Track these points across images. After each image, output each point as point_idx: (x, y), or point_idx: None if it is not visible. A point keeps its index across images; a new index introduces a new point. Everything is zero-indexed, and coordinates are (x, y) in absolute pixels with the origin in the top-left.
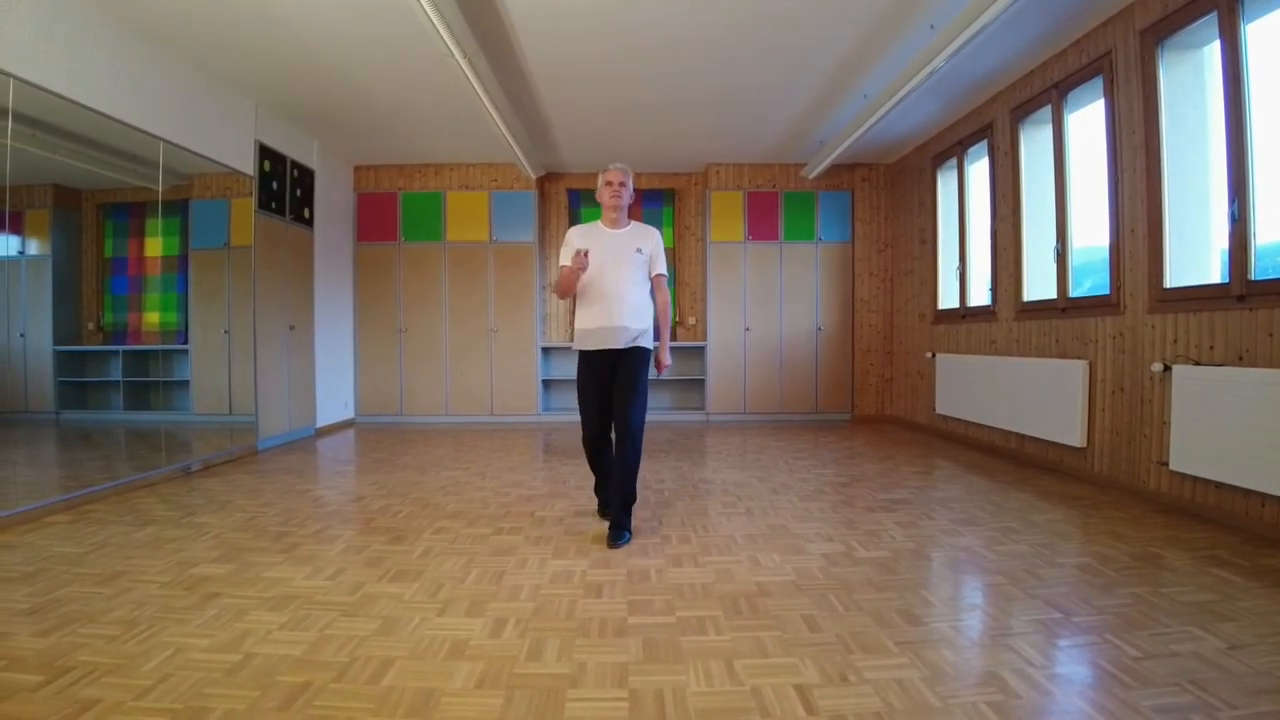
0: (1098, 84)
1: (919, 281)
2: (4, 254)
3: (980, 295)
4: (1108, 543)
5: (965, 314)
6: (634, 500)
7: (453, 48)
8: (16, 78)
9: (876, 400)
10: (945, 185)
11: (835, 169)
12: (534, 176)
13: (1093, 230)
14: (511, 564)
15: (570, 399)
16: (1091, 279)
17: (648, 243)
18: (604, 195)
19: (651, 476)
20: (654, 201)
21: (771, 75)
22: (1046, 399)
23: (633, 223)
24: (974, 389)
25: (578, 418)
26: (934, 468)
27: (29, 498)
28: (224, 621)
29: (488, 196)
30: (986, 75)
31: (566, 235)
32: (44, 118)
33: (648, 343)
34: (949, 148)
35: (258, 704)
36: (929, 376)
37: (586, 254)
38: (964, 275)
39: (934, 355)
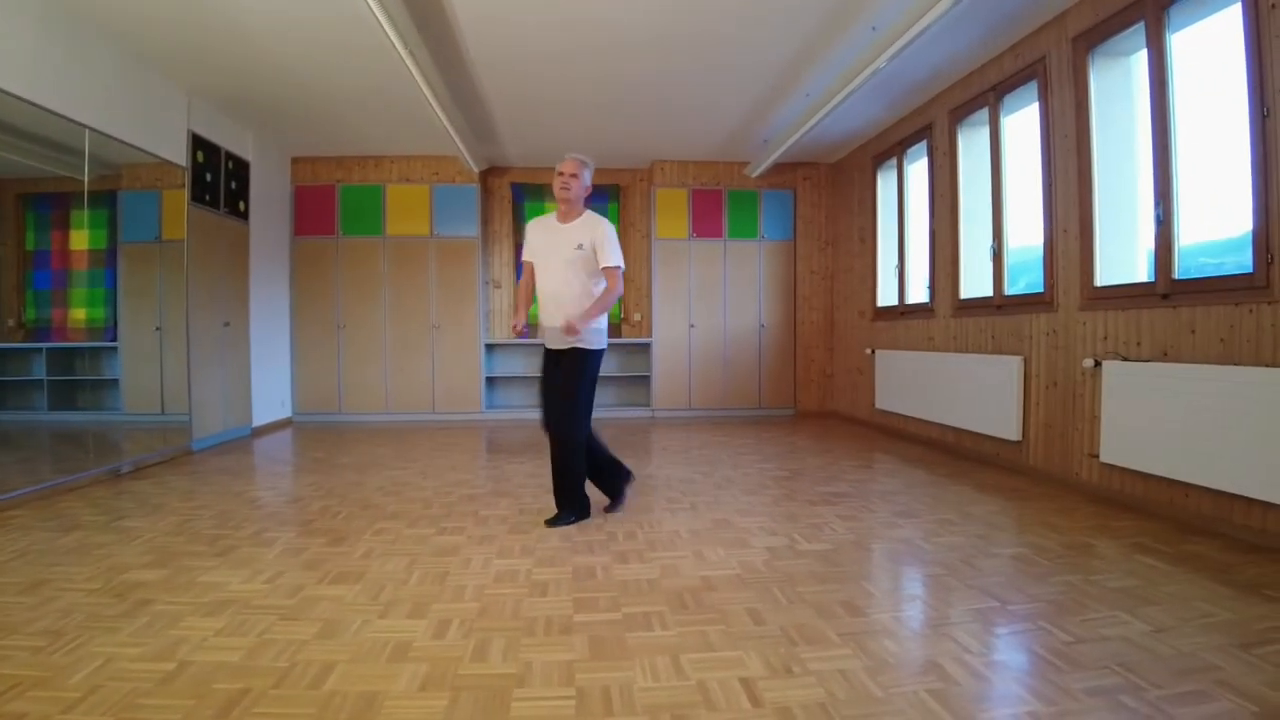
0: (1033, 88)
1: (859, 279)
2: None
3: (919, 293)
4: (1041, 533)
5: (904, 311)
6: (577, 509)
7: (393, 38)
8: None
9: (819, 395)
10: (885, 184)
11: (779, 168)
12: (477, 170)
13: (1028, 230)
14: (455, 564)
15: (514, 395)
16: (1026, 277)
17: (590, 236)
18: (555, 185)
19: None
20: (599, 197)
21: (717, 73)
22: (983, 394)
23: (585, 214)
24: (913, 384)
25: (524, 415)
26: (874, 461)
27: None
28: (157, 629)
29: (429, 190)
30: (927, 77)
31: (526, 229)
32: None
33: (587, 343)
34: (889, 148)
35: (193, 713)
36: (869, 372)
37: (523, 326)
38: (903, 273)
39: (873, 351)
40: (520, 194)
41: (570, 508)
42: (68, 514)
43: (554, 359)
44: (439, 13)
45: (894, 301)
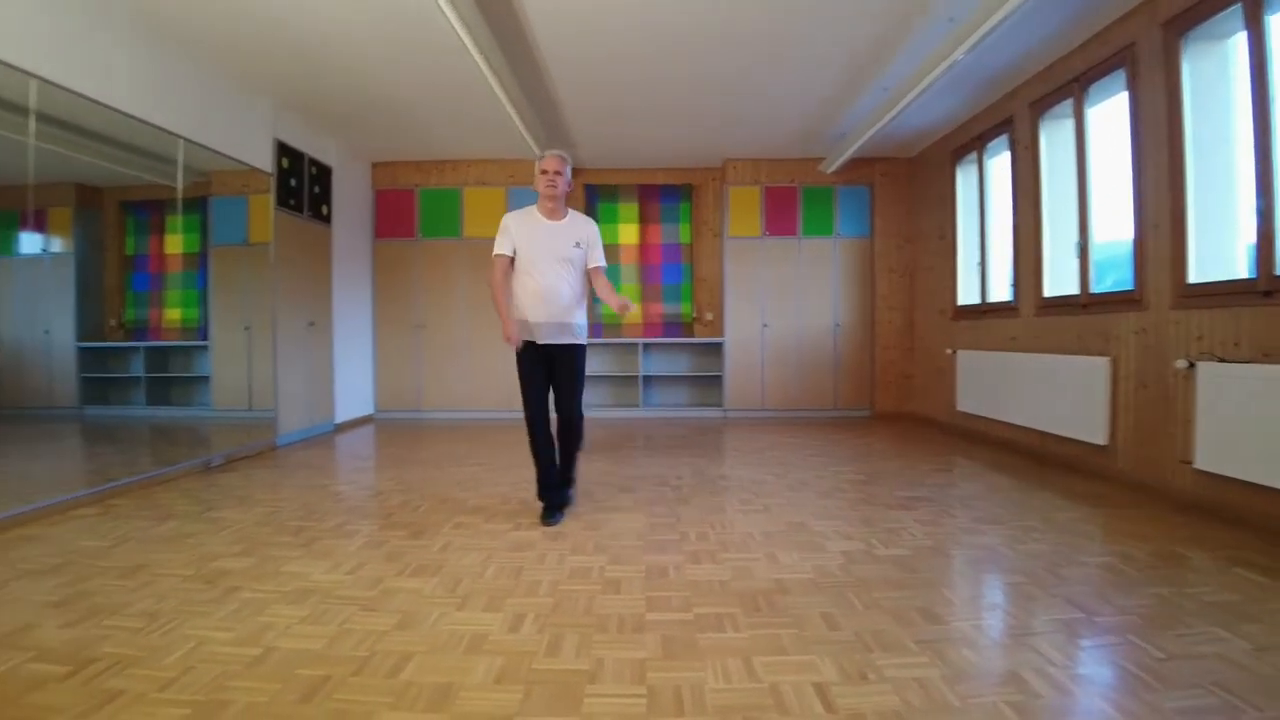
0: (1120, 77)
1: (939, 277)
2: (29, 251)
3: (1001, 291)
4: (1130, 542)
5: (986, 310)
6: (573, 484)
7: (469, 44)
8: (38, 77)
9: (896, 396)
10: (965, 179)
11: (854, 163)
12: None
13: (1115, 225)
14: (530, 559)
15: (588, 394)
16: (1114, 274)
17: (585, 235)
18: (539, 184)
19: (669, 472)
20: (671, 197)
21: (789, 70)
22: (1069, 396)
23: (571, 212)
24: (995, 385)
25: (598, 414)
26: (954, 465)
27: (55, 491)
28: (245, 615)
29: (504, 192)
30: (1007, 68)
31: (502, 221)
32: (65, 116)
33: (583, 337)
34: (968, 142)
35: (278, 696)
36: (949, 373)
37: (519, 339)
38: (984, 271)
39: (954, 351)
40: (593, 195)
41: (569, 485)
42: (163, 504)
43: (544, 353)
44: (512, 16)
45: (975, 300)
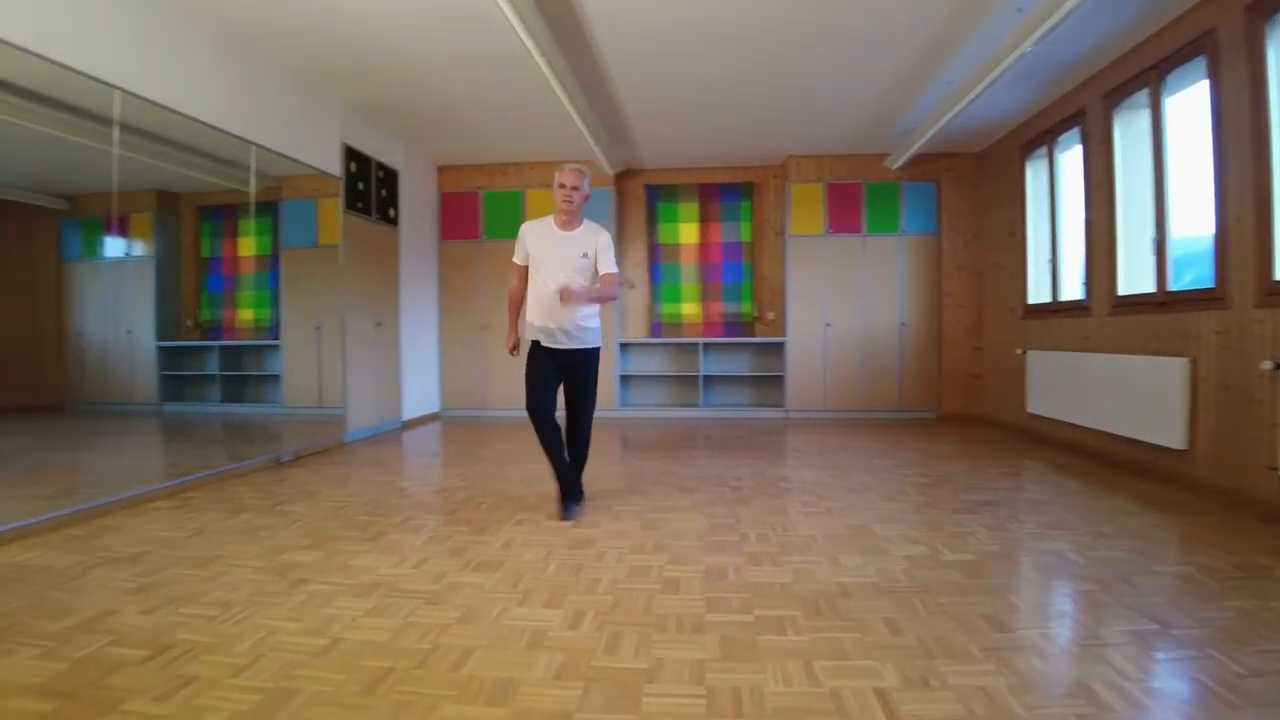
0: (1199, 65)
1: (1008, 275)
2: (113, 255)
3: (1073, 289)
4: (1210, 551)
5: (1057, 309)
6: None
7: (531, 47)
8: (122, 89)
9: (964, 397)
10: (1035, 174)
11: (920, 159)
12: (612, 173)
13: (1194, 220)
14: (590, 557)
15: (647, 394)
16: (1193, 271)
17: (594, 245)
18: (556, 196)
19: (728, 473)
20: (732, 195)
21: (852, 64)
22: (1145, 398)
23: (585, 223)
24: (1066, 387)
25: (657, 413)
26: (1023, 469)
27: (135, 484)
28: (313, 606)
29: None
30: (1078, 59)
31: (520, 230)
32: (146, 126)
33: (595, 341)
34: (1038, 135)
35: (344, 687)
36: (1019, 374)
37: (515, 347)
38: (1055, 268)
39: (1024, 351)
40: (654, 195)
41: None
42: (236, 497)
43: (552, 357)
44: (573, 18)
45: (1046, 299)
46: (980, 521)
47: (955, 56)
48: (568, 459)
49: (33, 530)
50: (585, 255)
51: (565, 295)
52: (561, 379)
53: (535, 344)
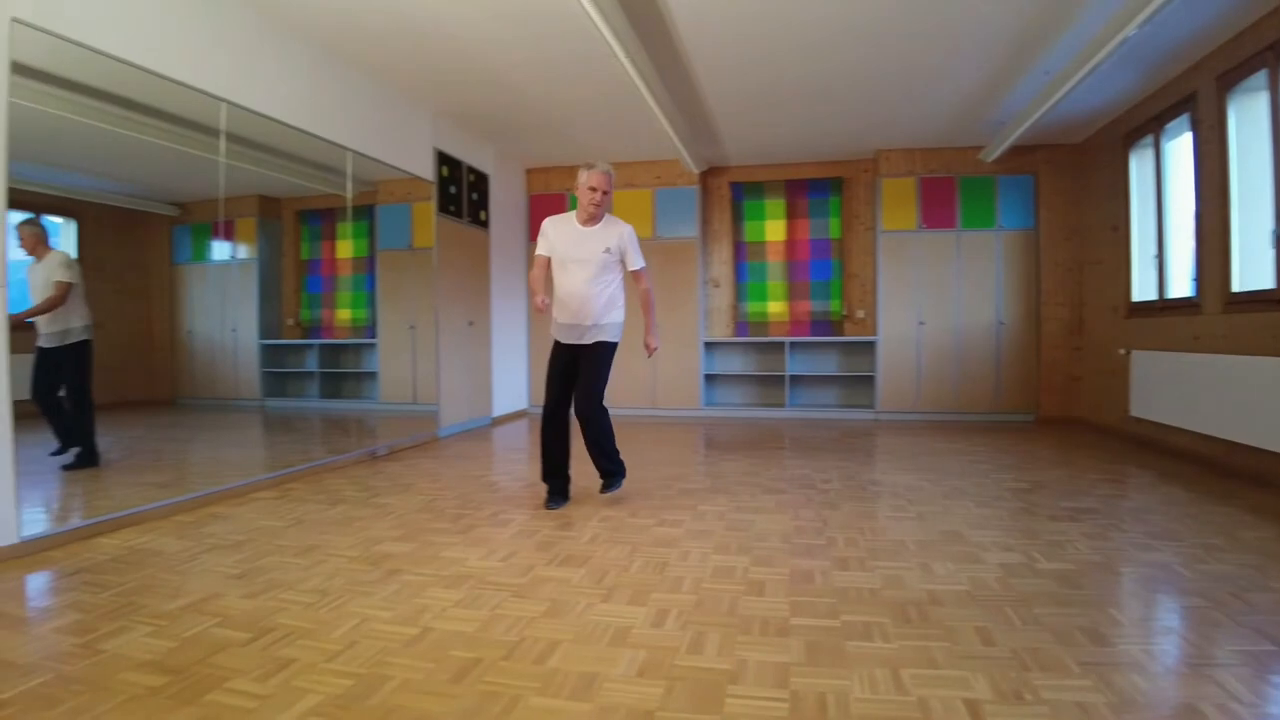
0: None
1: (1110, 271)
2: (220, 258)
3: (1182, 286)
4: None
5: (1164, 306)
6: (619, 471)
7: (614, 45)
8: (228, 101)
9: (1063, 400)
10: (1139, 165)
11: (1016, 151)
12: (697, 171)
13: None
14: (674, 555)
15: (732, 393)
16: None
17: (616, 240)
18: (583, 197)
19: (816, 475)
20: (820, 191)
21: (944, 54)
22: (1263, 402)
23: (606, 218)
24: (1174, 389)
25: (741, 413)
26: (1126, 475)
27: (238, 475)
28: (404, 596)
29: (651, 194)
30: (1187, 40)
31: (543, 225)
32: (250, 135)
33: (612, 335)
34: (1143, 124)
35: (432, 675)
36: (1122, 375)
37: (544, 300)
38: (1162, 264)
39: (1127, 352)
40: (739, 192)
41: (616, 471)
42: (333, 489)
43: (571, 352)
44: (659, 19)
45: (1152, 296)
46: (1080, 530)
47: (1053, 43)
48: (565, 453)
49: (147, 516)
50: (608, 250)
51: (649, 349)
52: (573, 375)
53: (556, 345)
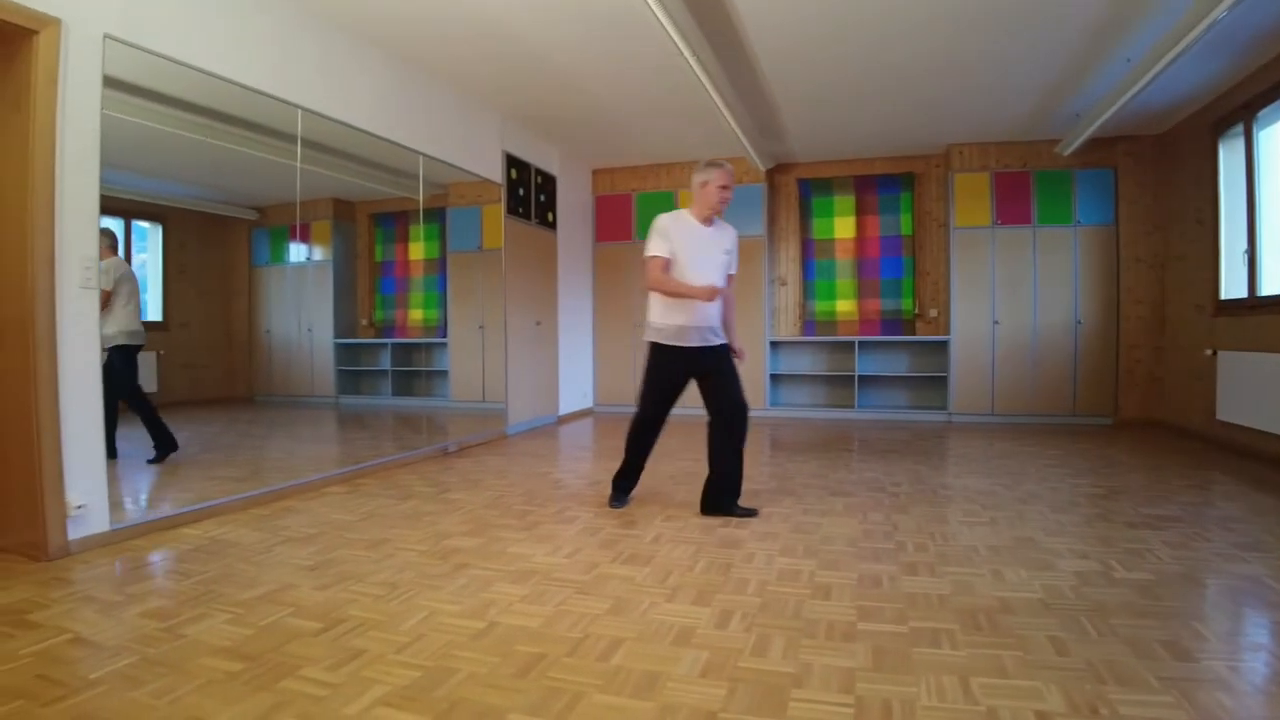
0: None
1: (1195, 268)
2: (296, 260)
3: (1275, 283)
4: None
5: (1255, 305)
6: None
7: (681, 46)
8: (304, 108)
9: (1143, 402)
10: (1228, 155)
11: (1094, 143)
12: (763, 169)
13: None
14: (739, 557)
15: (799, 394)
16: None
17: (731, 242)
18: (712, 196)
19: (885, 478)
20: (891, 187)
21: (1017, 44)
22: None
23: (716, 219)
24: (1266, 392)
25: (808, 414)
26: (1211, 482)
27: (312, 470)
28: (471, 590)
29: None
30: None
31: (658, 223)
32: (325, 140)
33: (728, 338)
34: (1232, 111)
35: (497, 669)
36: (1208, 377)
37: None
38: (1253, 259)
39: (1214, 352)
40: (807, 189)
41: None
42: (404, 484)
43: (688, 355)
44: (723, 13)
45: (1242, 293)
46: (1161, 538)
47: (1134, 29)
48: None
49: (226, 508)
50: (727, 252)
51: (715, 293)
52: (697, 380)
53: (667, 349)
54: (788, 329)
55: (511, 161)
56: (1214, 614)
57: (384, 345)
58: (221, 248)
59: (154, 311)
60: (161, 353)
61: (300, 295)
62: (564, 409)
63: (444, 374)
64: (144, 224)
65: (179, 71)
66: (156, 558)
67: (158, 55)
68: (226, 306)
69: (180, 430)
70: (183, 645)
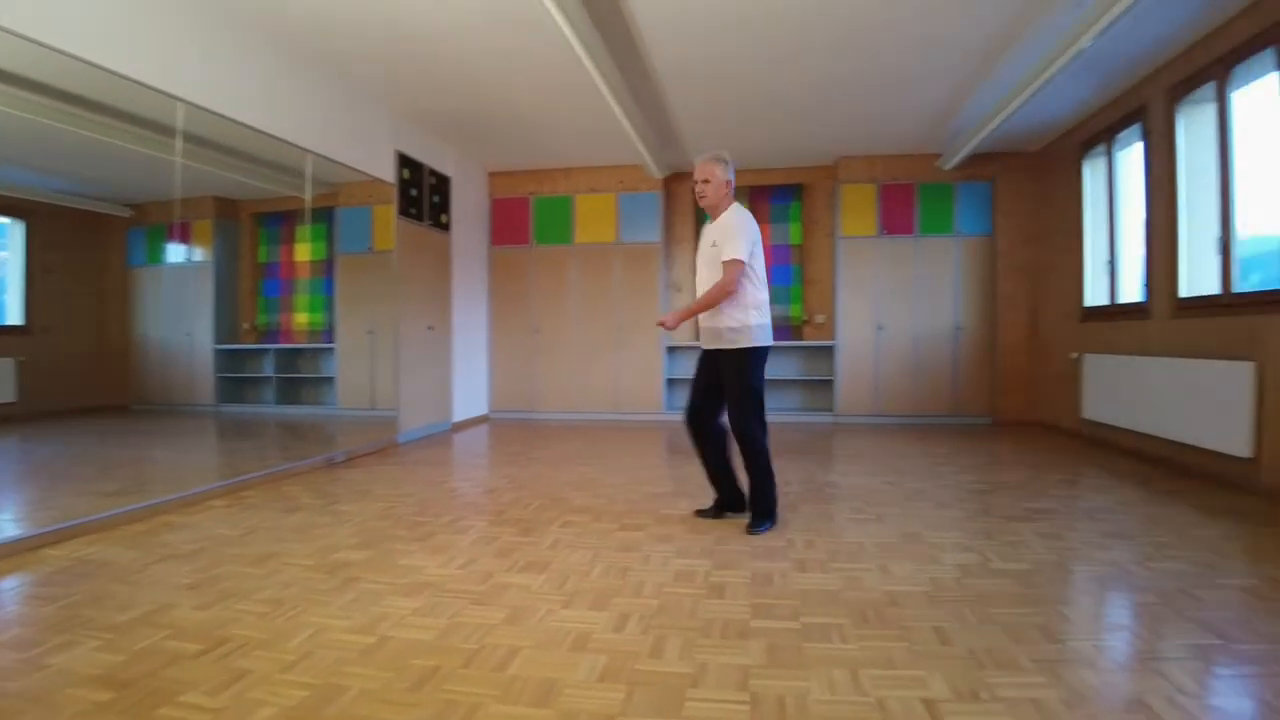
0: (1269, 56)
1: (1065, 277)
2: (175, 260)
3: (1132, 291)
4: (1279, 564)
5: (1115, 311)
6: (771, 506)
7: (578, 48)
8: (185, 100)
9: (1020, 402)
10: (1093, 174)
11: (975, 159)
12: (660, 177)
13: (1263, 218)
14: (636, 560)
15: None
16: (1260, 272)
17: (718, 231)
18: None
19: (778, 478)
20: (783, 196)
21: (906, 63)
22: (1208, 404)
23: (729, 209)
24: (1125, 392)
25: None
26: (1081, 476)
27: (193, 482)
28: (362, 605)
29: (615, 199)
30: (1139, 53)
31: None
32: (207, 135)
33: (729, 342)
34: (1096, 134)
35: (391, 684)
36: (1076, 378)
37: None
38: (1114, 270)
39: (1080, 356)
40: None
41: (762, 510)
42: (290, 496)
43: (706, 360)
44: (621, 22)
45: (1104, 300)
46: (1035, 530)
47: (1012, 54)
48: (716, 467)
49: (97, 525)
50: (713, 244)
51: (661, 322)
52: (708, 379)
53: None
54: (684, 334)
55: (404, 161)
56: (1082, 598)
57: (267, 351)
58: (94, 247)
59: (14, 315)
60: (23, 359)
61: (179, 298)
62: (459, 416)
63: (331, 381)
64: (3, 220)
65: (43, 54)
66: (12, 583)
67: (20, 36)
68: (100, 309)
69: (46, 443)
70: (46, 676)
